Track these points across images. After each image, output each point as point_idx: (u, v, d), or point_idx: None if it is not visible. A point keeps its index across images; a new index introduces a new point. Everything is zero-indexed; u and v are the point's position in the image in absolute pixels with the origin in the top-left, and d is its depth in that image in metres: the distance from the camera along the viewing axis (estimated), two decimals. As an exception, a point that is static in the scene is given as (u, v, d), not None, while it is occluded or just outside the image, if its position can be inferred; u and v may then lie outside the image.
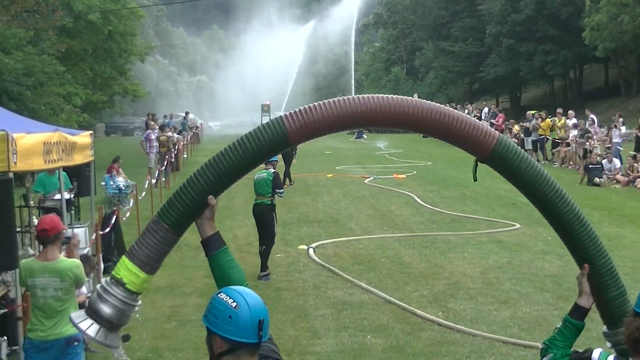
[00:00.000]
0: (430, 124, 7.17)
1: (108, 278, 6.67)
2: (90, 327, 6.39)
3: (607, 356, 6.81)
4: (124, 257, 6.72)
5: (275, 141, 6.86)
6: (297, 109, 6.77)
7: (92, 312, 6.45)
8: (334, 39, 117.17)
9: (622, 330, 6.72)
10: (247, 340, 5.88)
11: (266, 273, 23.06)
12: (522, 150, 7.36)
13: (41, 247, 12.11)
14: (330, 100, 6.86)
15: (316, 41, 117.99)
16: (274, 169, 23.45)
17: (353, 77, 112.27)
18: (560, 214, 7.07)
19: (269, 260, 23.57)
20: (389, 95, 7.02)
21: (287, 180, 27.01)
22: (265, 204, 23.29)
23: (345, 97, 6.95)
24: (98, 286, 6.75)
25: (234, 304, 5.86)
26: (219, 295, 5.91)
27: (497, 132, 7.28)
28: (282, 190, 24.34)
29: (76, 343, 11.93)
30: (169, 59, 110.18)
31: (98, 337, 6.46)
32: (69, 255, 13.58)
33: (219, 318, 5.83)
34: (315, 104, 6.79)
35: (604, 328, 7.09)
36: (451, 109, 7.41)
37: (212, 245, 6.69)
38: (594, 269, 7.06)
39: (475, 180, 8.33)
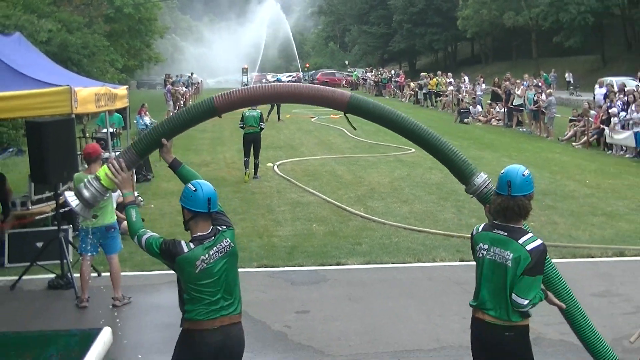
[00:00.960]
0: (304, 95, 7.83)
1: (91, 176, 7.46)
2: (74, 202, 7.25)
3: (479, 226, 6.82)
4: (104, 165, 7.40)
5: (208, 111, 7.58)
6: (222, 93, 7.54)
7: (78, 194, 7.29)
8: (291, 22, 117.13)
9: (473, 184, 6.97)
10: (201, 210, 6.67)
11: (258, 176, 24.20)
12: (371, 100, 7.68)
13: (86, 165, 12.20)
14: (238, 88, 7.67)
15: (278, 23, 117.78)
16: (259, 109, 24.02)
17: (295, 51, 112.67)
18: (407, 131, 7.35)
19: (250, 167, 23.87)
20: (275, 84, 7.83)
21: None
22: (256, 132, 23.82)
23: (245, 87, 7.79)
24: (85, 180, 7.48)
25: (193, 189, 6.74)
26: (187, 185, 6.83)
27: (349, 93, 7.68)
28: (264, 123, 24.79)
29: (113, 230, 12.01)
30: (180, 36, 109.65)
31: (77, 209, 7.35)
32: None
33: (186, 197, 6.74)
34: (230, 90, 7.62)
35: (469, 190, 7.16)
36: (315, 85, 8.14)
37: (175, 166, 7.43)
38: (445, 156, 7.24)
39: (354, 129, 8.79)
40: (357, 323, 11.16)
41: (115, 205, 13.01)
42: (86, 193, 7.23)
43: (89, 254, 12.00)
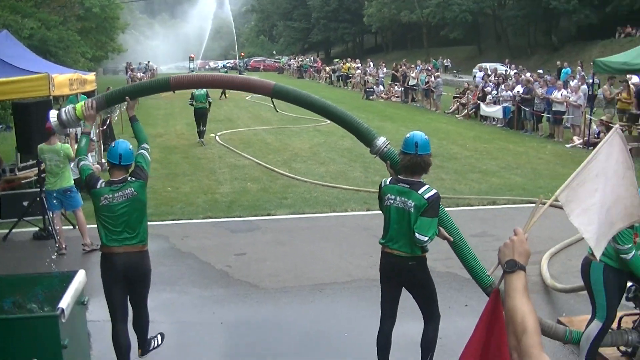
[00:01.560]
0: (237, 83, 8.03)
1: (70, 106, 7.57)
2: (53, 120, 7.48)
3: (387, 180, 6.86)
4: (81, 102, 7.61)
5: (164, 86, 7.66)
6: (177, 75, 7.86)
7: (58, 115, 7.50)
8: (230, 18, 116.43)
9: (375, 146, 6.97)
10: (113, 162, 7.21)
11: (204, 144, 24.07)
12: (291, 87, 7.60)
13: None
14: (188, 74, 7.96)
15: (219, 19, 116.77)
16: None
17: (236, 42, 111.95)
18: (320, 109, 7.29)
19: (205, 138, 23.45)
20: (218, 74, 8.17)
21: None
22: (204, 107, 24.27)
23: (195, 74, 8.15)
24: (65, 108, 7.60)
25: (113, 145, 7.39)
26: (111, 145, 7.46)
27: (274, 82, 7.59)
28: (210, 99, 24.84)
29: (70, 191, 12.11)
30: (138, 31, 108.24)
31: (53, 125, 7.59)
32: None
33: (109, 152, 7.30)
34: (182, 74, 7.90)
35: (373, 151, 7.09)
36: (245, 76, 8.46)
37: (132, 120, 7.60)
38: (351, 125, 7.20)
39: (276, 111, 8.99)
40: (285, 262, 11.17)
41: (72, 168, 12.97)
42: (64, 116, 7.46)
43: (55, 210, 12.24)
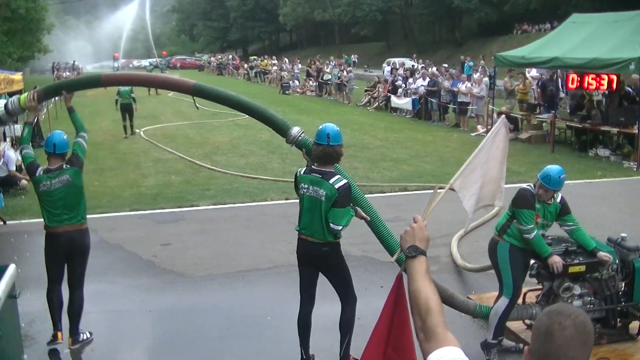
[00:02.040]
0: (158, 82, 8.52)
1: (16, 97, 7.89)
2: (1, 110, 7.78)
3: (301, 170, 6.84)
4: (25, 93, 7.84)
5: (96, 82, 8.21)
6: (108, 73, 7.99)
7: (5, 107, 7.76)
8: (151, 19, 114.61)
9: (290, 135, 6.96)
10: (49, 150, 7.41)
11: (135, 133, 24.63)
12: (210, 85, 7.60)
13: None
14: (118, 72, 8.16)
15: (142, 19, 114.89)
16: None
17: (153, 41, 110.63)
18: (237, 105, 7.29)
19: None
20: (143, 73, 8.31)
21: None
22: (130, 102, 24.30)
23: (123, 72, 8.23)
24: (10, 99, 7.91)
25: (49, 135, 7.58)
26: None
27: (193, 81, 7.58)
28: (134, 95, 24.69)
29: None
30: (64, 32, 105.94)
31: (1, 114, 7.82)
32: None
33: (45, 142, 7.53)
34: (112, 73, 8.00)
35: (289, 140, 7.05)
36: (167, 75, 8.55)
37: (70, 110, 7.82)
38: (266, 118, 7.18)
39: (197, 108, 8.93)
40: (209, 251, 11.09)
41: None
42: (9, 106, 7.71)
43: None
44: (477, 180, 5.08)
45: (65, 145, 7.48)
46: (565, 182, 7.14)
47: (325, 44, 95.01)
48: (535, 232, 6.95)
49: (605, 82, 20.12)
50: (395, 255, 3.92)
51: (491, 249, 7.27)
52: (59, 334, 7.50)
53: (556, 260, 7.02)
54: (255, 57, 68.84)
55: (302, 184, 6.72)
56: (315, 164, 6.69)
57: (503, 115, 6.51)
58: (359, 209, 6.74)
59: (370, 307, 8.10)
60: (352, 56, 67.81)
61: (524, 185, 7.20)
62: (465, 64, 39.51)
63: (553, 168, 7.02)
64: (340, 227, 6.51)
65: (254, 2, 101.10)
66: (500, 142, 5.56)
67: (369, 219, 6.76)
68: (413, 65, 41.79)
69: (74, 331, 7.56)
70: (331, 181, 6.49)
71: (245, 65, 64.51)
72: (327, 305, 7.27)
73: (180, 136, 24.64)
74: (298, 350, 6.94)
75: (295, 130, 7.00)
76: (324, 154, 6.59)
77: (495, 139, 5.45)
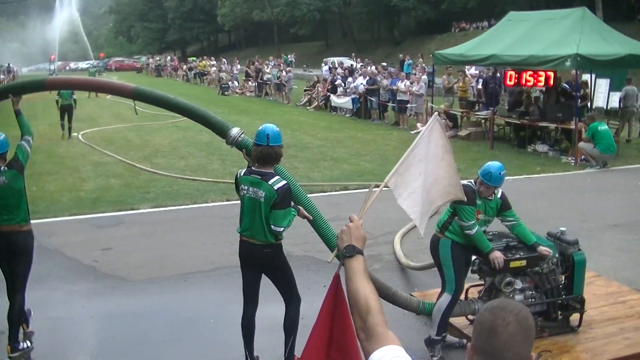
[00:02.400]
0: (97, 86, 8.43)
1: None
2: None
3: (242, 171, 6.80)
4: None
5: (39, 86, 7.99)
6: (52, 77, 7.98)
7: None
8: (87, 20, 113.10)
9: (230, 136, 6.94)
10: None
11: (72, 137, 24.16)
12: (150, 89, 7.56)
13: None
14: (62, 76, 8.21)
15: (73, 23, 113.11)
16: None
17: (87, 43, 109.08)
18: (176, 107, 7.30)
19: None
20: (84, 77, 8.27)
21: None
22: (69, 103, 23.99)
23: (65, 76, 8.20)
24: None
25: None
26: None
27: (133, 85, 7.48)
28: (75, 97, 24.57)
29: None
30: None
31: None
32: None
33: None
34: (56, 77, 8.01)
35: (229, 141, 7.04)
36: (110, 80, 8.45)
37: (17, 113, 7.71)
38: (206, 120, 7.17)
39: (137, 114, 8.94)
40: (151, 254, 10.98)
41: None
42: None
43: None
44: (416, 178, 5.11)
45: (3, 146, 7.39)
46: (505, 178, 7.27)
47: (264, 44, 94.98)
48: (476, 228, 7.05)
49: (542, 79, 20.63)
50: (332, 255, 3.92)
51: (433, 245, 7.35)
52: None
53: (497, 256, 7.13)
54: (194, 58, 68.67)
55: (242, 185, 6.68)
56: (255, 165, 6.67)
57: (436, 113, 6.59)
58: (301, 208, 6.75)
59: (314, 307, 8.06)
60: (290, 56, 67.93)
61: (465, 182, 7.30)
62: (405, 63, 39.82)
63: (493, 164, 7.14)
64: (282, 229, 6.50)
65: (192, 3, 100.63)
66: (438, 140, 5.59)
67: (311, 218, 6.77)
68: (352, 65, 42.01)
69: (13, 338, 7.38)
70: (270, 182, 6.47)
71: (184, 67, 64.13)
72: (271, 306, 7.26)
73: (120, 139, 24.33)
74: (242, 352, 6.91)
75: (234, 131, 6.99)
76: (263, 154, 6.56)
77: (431, 137, 5.49)
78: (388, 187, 4.97)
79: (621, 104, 22.72)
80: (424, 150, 5.34)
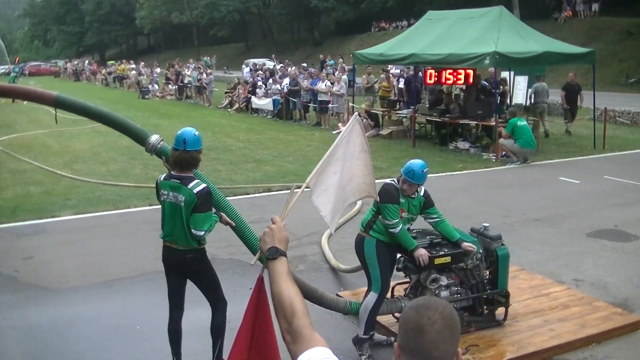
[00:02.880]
0: (18, 93, 7.99)
1: None
2: None
3: (162, 176, 6.77)
4: None
5: None
6: None
7: None
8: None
9: (149, 144, 6.90)
10: None
11: None
12: (72, 98, 7.41)
13: None
14: None
15: None
16: None
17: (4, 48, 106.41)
18: (96, 116, 7.21)
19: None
20: (3, 83, 8.08)
21: None
22: None
23: None
24: None
25: None
26: None
27: (53, 92, 7.26)
28: None
29: None
30: None
31: None
32: None
33: None
34: None
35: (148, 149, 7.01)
36: (31, 87, 8.30)
37: None
38: (125, 128, 7.12)
39: (57, 122, 8.78)
40: (74, 262, 10.80)
41: None
42: None
43: None
44: (331, 177, 5.18)
45: None
46: (428, 175, 7.39)
47: (184, 47, 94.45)
48: (400, 227, 7.12)
49: (462, 77, 21.03)
50: (255, 257, 3.93)
51: (358, 245, 7.39)
52: None
53: (422, 253, 7.22)
54: (112, 61, 67.57)
55: (163, 191, 6.66)
56: (175, 170, 6.65)
57: (356, 113, 6.65)
58: (223, 214, 6.75)
59: (240, 310, 8.06)
60: (208, 58, 67.58)
61: (388, 180, 7.40)
62: (326, 63, 40.03)
63: (416, 162, 7.21)
64: (202, 233, 6.47)
65: (110, 5, 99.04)
66: (357, 139, 5.66)
67: (234, 224, 6.78)
68: (274, 65, 42.05)
69: None
70: (189, 186, 6.45)
71: (103, 71, 63.15)
72: (197, 310, 7.25)
73: (38, 145, 23.79)
74: (170, 358, 6.88)
75: (154, 139, 6.96)
76: (180, 159, 6.53)
77: (351, 136, 5.57)
78: (309, 187, 5.01)
79: (532, 100, 23.31)
80: (342, 149, 5.41)
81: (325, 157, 5.09)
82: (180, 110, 34.95)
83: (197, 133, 6.67)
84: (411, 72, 26.11)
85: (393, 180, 7.31)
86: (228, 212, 6.83)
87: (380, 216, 7.20)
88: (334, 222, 5.49)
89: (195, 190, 6.42)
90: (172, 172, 6.67)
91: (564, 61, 21.63)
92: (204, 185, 6.51)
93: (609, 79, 39.70)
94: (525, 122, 19.09)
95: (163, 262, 6.86)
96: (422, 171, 7.18)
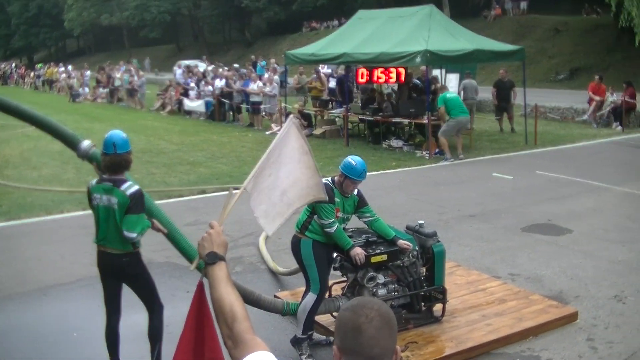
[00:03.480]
0: None
1: None
2: None
3: (93, 181, 6.72)
4: None
5: None
6: None
7: None
8: None
9: (80, 149, 6.95)
10: None
11: None
12: (8, 99, 7.34)
13: None
14: None
15: None
16: None
17: None
18: (28, 118, 7.18)
19: None
20: None
21: None
22: None
23: None
24: None
25: None
26: None
27: None
28: None
29: None
30: None
31: None
32: None
33: None
34: None
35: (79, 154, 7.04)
36: None
37: None
38: (57, 132, 7.09)
39: None
40: (7, 270, 10.59)
41: None
42: None
43: None
44: (265, 180, 5.20)
45: None
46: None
47: (114, 49, 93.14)
48: (336, 226, 7.16)
49: (394, 76, 21.16)
50: (194, 263, 3.92)
51: (294, 246, 7.41)
52: None
53: (358, 252, 7.27)
54: (41, 64, 66.28)
55: (95, 195, 6.60)
56: (107, 173, 6.61)
57: (292, 115, 6.68)
58: (155, 221, 6.73)
59: (178, 314, 8.05)
60: (144, 61, 66.93)
61: (322, 180, 7.43)
62: (258, 64, 39.97)
63: (355, 159, 7.24)
64: (135, 235, 6.43)
65: (37, 7, 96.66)
66: (295, 142, 5.68)
67: (166, 231, 6.77)
68: (207, 67, 41.82)
69: None
70: (122, 188, 6.44)
71: (32, 74, 61.90)
72: (135, 315, 7.20)
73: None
74: (108, 364, 6.85)
75: (85, 145, 6.92)
76: (111, 163, 6.51)
77: (287, 139, 5.58)
78: (247, 190, 5.02)
79: (461, 97, 23.61)
80: (278, 152, 5.42)
81: (261, 161, 5.11)
82: (112, 114, 34.47)
83: (124, 135, 6.66)
84: (342, 72, 26.28)
85: (327, 180, 7.29)
86: (160, 219, 6.81)
87: (315, 216, 7.23)
88: (271, 225, 5.49)
89: (128, 192, 6.42)
90: (103, 176, 6.64)
91: (494, 59, 22.05)
92: (136, 187, 6.51)
93: (539, 76, 40.45)
94: (454, 94, 19.51)
95: (98, 267, 6.79)
96: (364, 167, 7.25)
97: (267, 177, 5.28)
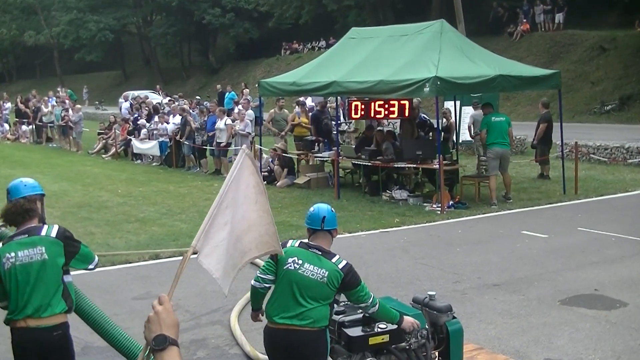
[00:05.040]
0: None
1: None
2: None
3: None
4: None
5: None
6: None
7: None
8: None
9: None
10: None
11: None
12: None
13: None
14: None
15: None
16: None
17: None
18: None
19: None
20: None
21: None
22: None
23: None
24: None
25: None
26: None
27: None
28: None
29: None
30: None
31: None
32: None
33: None
34: None
35: None
36: None
37: None
38: None
39: None
40: None
41: None
42: None
43: None
44: (222, 229, 5.14)
45: None
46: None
47: (42, 75, 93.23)
48: (378, 300, 7.00)
49: (395, 109, 20.87)
50: (142, 354, 3.84)
51: (312, 343, 6.98)
52: None
53: (411, 321, 7.18)
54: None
55: (7, 255, 6.48)
56: (19, 227, 6.63)
57: (244, 145, 6.68)
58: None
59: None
60: (70, 91, 66.79)
61: (336, 256, 7.18)
62: (226, 95, 39.97)
63: (319, 204, 7.13)
64: (97, 260, 6.77)
65: None
66: (250, 178, 5.61)
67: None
68: (161, 99, 41.89)
69: None
70: (43, 233, 6.50)
71: None
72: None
73: None
74: None
75: None
76: (21, 207, 6.60)
77: (241, 176, 5.52)
78: (196, 252, 4.96)
79: (471, 133, 23.69)
80: (232, 194, 5.35)
81: (212, 208, 5.06)
82: (39, 157, 34.43)
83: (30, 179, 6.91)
84: (317, 108, 26.21)
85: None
86: (85, 308, 6.79)
87: (341, 304, 7.14)
88: (227, 283, 5.41)
89: (52, 234, 6.48)
90: (15, 232, 6.66)
91: (522, 86, 21.59)
92: (55, 225, 6.63)
93: (580, 106, 40.47)
94: (503, 117, 19.66)
95: (16, 350, 6.63)
96: (324, 214, 7.02)
97: (223, 227, 5.20)
